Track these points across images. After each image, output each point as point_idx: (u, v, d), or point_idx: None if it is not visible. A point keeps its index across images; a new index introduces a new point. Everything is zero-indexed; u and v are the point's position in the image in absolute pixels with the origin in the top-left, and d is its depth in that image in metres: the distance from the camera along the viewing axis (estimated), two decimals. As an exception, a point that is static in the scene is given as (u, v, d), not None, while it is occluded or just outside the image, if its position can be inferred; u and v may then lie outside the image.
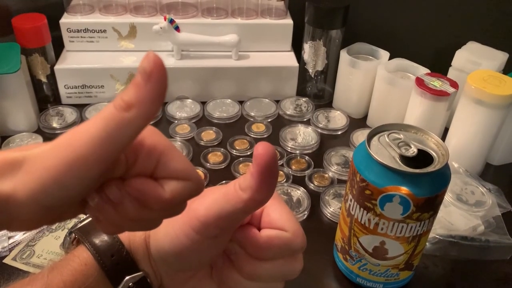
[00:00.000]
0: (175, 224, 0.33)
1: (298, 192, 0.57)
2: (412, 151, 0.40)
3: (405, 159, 0.40)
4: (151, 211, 0.26)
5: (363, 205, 0.41)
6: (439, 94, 0.60)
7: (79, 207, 0.26)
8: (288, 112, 0.73)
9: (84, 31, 0.72)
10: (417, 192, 0.38)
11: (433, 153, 0.41)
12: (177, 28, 0.70)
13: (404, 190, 0.38)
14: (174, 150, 0.27)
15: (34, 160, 0.23)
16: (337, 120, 0.73)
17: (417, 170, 0.38)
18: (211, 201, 0.31)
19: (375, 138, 0.42)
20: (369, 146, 0.41)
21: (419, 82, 0.62)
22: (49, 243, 0.50)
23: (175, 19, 0.70)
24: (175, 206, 0.28)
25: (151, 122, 0.29)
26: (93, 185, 0.24)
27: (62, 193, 0.23)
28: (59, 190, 0.23)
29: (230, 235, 0.34)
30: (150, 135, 0.26)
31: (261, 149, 0.28)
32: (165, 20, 0.69)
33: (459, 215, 0.54)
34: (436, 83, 0.62)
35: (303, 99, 0.76)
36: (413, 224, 0.40)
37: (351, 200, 0.43)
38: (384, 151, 0.41)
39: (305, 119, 0.73)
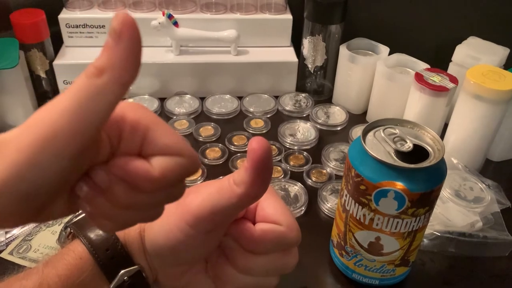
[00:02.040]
0: (170, 218, 0.33)
1: (295, 188, 0.57)
2: (408, 146, 0.40)
3: (400, 154, 0.40)
4: (144, 196, 0.25)
5: (358, 201, 0.41)
6: (438, 90, 0.60)
7: (69, 202, 0.24)
8: (287, 108, 0.73)
9: (83, 26, 0.72)
10: (412, 188, 0.38)
11: (429, 148, 0.40)
12: (175, 24, 0.70)
13: (399, 185, 0.38)
14: (161, 124, 0.25)
15: (6, 144, 0.21)
16: (337, 115, 0.73)
17: (412, 165, 0.38)
18: (205, 196, 0.31)
19: (371, 133, 0.42)
20: (364, 141, 0.40)
21: (419, 77, 0.61)
22: (46, 237, 0.50)
23: (173, 14, 0.70)
24: (172, 188, 0.25)
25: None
26: (72, 166, 0.22)
27: (38, 176, 0.21)
28: (34, 172, 0.20)
29: (224, 230, 0.34)
30: (132, 109, 0.25)
31: (255, 144, 0.28)
32: (163, 15, 0.69)
33: (457, 211, 0.53)
34: (436, 78, 0.61)
35: (303, 94, 0.76)
36: (409, 219, 0.40)
37: (346, 196, 0.43)
38: (380, 146, 0.40)
39: (304, 115, 0.73)
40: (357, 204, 0.41)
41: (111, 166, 0.24)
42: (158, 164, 0.24)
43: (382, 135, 0.41)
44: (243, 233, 0.33)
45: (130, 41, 0.21)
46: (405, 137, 0.41)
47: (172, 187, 0.25)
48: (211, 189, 0.31)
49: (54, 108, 0.21)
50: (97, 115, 0.21)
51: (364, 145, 0.40)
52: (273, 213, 0.34)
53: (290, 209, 0.54)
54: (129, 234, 0.35)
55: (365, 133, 0.41)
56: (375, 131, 0.42)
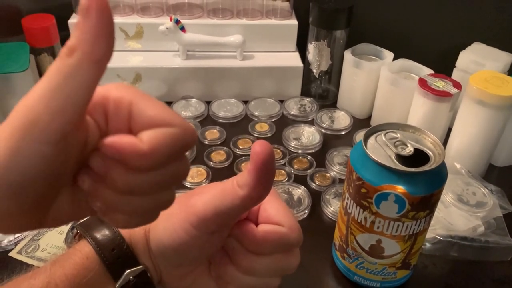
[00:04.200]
0: (174, 219, 0.33)
1: (299, 191, 0.58)
2: (409, 150, 0.41)
3: (401, 158, 0.40)
4: (145, 176, 0.24)
5: (359, 204, 0.42)
6: (441, 95, 0.60)
7: (75, 202, 0.25)
8: (292, 112, 0.74)
9: (92, 31, 0.73)
10: (413, 191, 0.39)
11: (430, 152, 0.41)
12: (182, 29, 0.71)
13: (399, 188, 0.39)
14: (145, 97, 0.24)
15: None
16: (341, 120, 0.73)
17: (412, 169, 0.39)
18: (209, 198, 0.32)
19: (372, 138, 0.42)
20: (365, 145, 0.41)
21: (422, 82, 0.62)
22: (54, 237, 0.51)
23: (181, 20, 0.71)
24: (172, 164, 0.24)
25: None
26: (58, 152, 0.21)
27: (23, 164, 0.20)
28: (18, 161, 0.20)
29: (228, 231, 0.34)
30: (115, 88, 0.24)
31: (259, 147, 0.29)
32: (171, 20, 0.70)
33: (460, 215, 0.54)
34: (439, 84, 0.62)
35: (308, 99, 0.77)
36: (409, 222, 0.41)
37: (348, 199, 0.43)
38: (381, 150, 0.41)
39: (309, 119, 0.74)
40: (358, 207, 0.42)
41: (100, 147, 0.23)
42: (146, 137, 0.23)
43: (384, 139, 0.42)
44: (246, 234, 0.34)
45: (98, 16, 0.20)
46: (406, 141, 0.42)
47: (172, 163, 0.25)
48: (215, 191, 0.32)
49: (32, 94, 0.20)
50: (74, 96, 0.20)
51: (365, 149, 0.40)
52: (275, 214, 0.34)
53: (292, 211, 0.55)
54: (134, 235, 0.36)
55: (366, 137, 0.42)
56: (376, 135, 0.43)
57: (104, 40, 0.21)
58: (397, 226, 0.41)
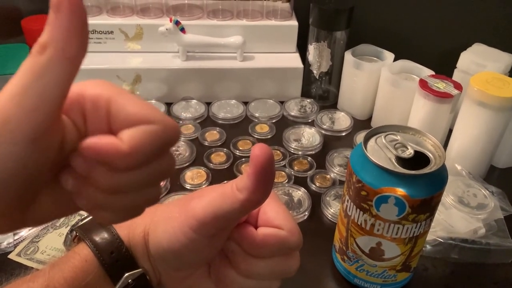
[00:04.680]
0: (174, 222, 0.33)
1: (299, 193, 0.58)
2: (409, 152, 0.40)
3: (401, 161, 0.40)
4: (129, 175, 0.23)
5: (359, 206, 0.42)
6: (442, 96, 0.60)
7: (58, 201, 0.24)
8: (292, 113, 0.74)
9: (92, 32, 0.73)
10: (413, 194, 0.38)
11: (430, 155, 0.41)
12: (182, 30, 0.71)
13: (399, 191, 0.39)
14: (124, 94, 0.23)
15: None
16: (341, 121, 0.73)
17: (412, 172, 0.38)
18: (208, 201, 0.32)
19: (372, 140, 0.42)
20: (365, 147, 0.41)
21: (423, 83, 0.62)
22: (53, 239, 0.51)
23: (180, 21, 0.71)
24: (157, 161, 0.24)
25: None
26: (33, 152, 0.20)
27: None
28: None
29: (227, 234, 0.34)
30: (92, 85, 0.23)
31: (258, 150, 0.29)
32: (170, 21, 0.70)
33: (460, 217, 0.53)
34: (440, 85, 0.62)
35: (308, 100, 0.76)
36: (409, 225, 0.40)
37: (348, 201, 0.43)
38: (381, 153, 0.41)
39: (309, 120, 0.73)
40: (358, 210, 0.42)
41: (80, 149, 0.22)
42: (126, 137, 0.22)
43: (384, 141, 0.42)
44: (246, 237, 0.34)
45: (70, 11, 0.19)
46: (406, 144, 0.41)
47: (157, 161, 0.24)
48: (214, 194, 0.32)
49: (3, 94, 0.20)
50: (46, 95, 0.20)
51: (365, 151, 0.40)
52: (275, 217, 0.34)
53: (292, 214, 0.54)
54: (133, 238, 0.36)
55: (366, 139, 0.42)
56: (376, 137, 0.42)
57: (77, 37, 0.20)
58: (397, 228, 0.41)
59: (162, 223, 0.34)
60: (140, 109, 0.22)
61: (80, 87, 0.23)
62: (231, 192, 0.31)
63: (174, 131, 0.24)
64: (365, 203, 0.41)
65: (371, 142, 0.42)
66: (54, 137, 0.22)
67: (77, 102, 0.23)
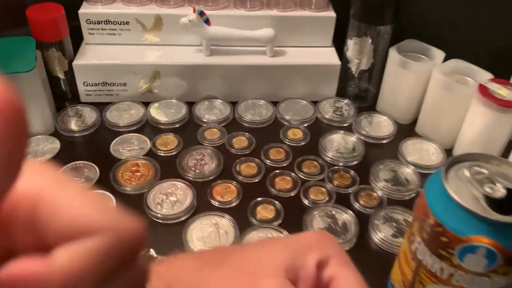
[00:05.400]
0: None
1: (344, 216, 0.51)
2: (500, 192, 0.33)
3: (490, 201, 0.33)
4: None
5: (436, 252, 0.35)
6: (506, 106, 0.52)
7: None
8: (327, 116, 0.66)
9: (105, 22, 0.65)
10: (508, 244, 0.32)
11: (526, 195, 0.34)
12: (207, 21, 0.63)
13: (490, 241, 0.32)
14: (58, 188, 0.16)
15: None
16: (383, 126, 0.66)
17: (510, 218, 0.31)
18: None
19: (452, 172, 0.35)
20: (447, 182, 0.34)
21: (483, 90, 0.54)
22: None
23: (204, 11, 0.63)
24: (119, 274, 0.17)
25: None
26: None
27: None
28: None
29: None
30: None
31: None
32: (194, 12, 0.62)
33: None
34: (503, 92, 0.54)
35: (344, 101, 0.69)
36: (498, 278, 0.34)
37: (419, 243, 0.36)
38: (465, 190, 0.34)
39: (345, 124, 0.66)
40: (434, 256, 0.35)
41: None
42: (60, 259, 0.16)
43: (467, 174, 0.34)
44: None
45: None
46: (493, 179, 0.34)
47: (117, 276, 0.17)
48: None
49: None
50: None
51: (448, 189, 0.33)
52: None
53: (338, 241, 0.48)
54: None
55: (446, 171, 0.35)
56: (457, 169, 0.35)
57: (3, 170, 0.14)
58: (483, 282, 0.34)
59: None
60: (79, 213, 0.16)
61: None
62: None
63: (134, 237, 0.17)
64: (445, 250, 0.34)
65: (451, 174, 0.35)
66: None
67: None
